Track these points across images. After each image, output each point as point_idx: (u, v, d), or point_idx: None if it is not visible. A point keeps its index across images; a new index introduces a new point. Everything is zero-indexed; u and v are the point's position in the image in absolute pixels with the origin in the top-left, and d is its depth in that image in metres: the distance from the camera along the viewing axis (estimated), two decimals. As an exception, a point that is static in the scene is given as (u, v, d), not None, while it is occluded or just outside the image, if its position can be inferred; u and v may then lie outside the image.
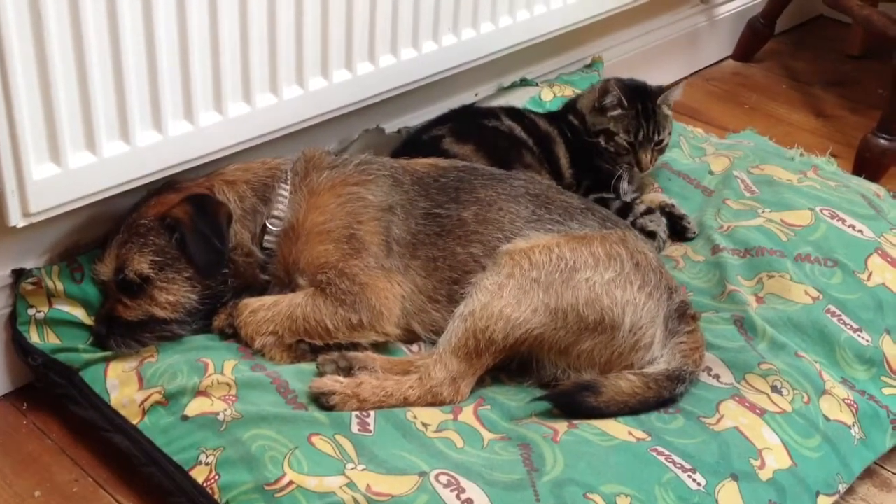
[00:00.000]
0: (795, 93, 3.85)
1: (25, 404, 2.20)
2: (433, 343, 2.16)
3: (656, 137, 2.72)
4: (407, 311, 2.18)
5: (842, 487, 2.02)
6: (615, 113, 2.70)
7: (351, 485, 1.79)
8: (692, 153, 3.06)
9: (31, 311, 2.14)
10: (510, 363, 2.13)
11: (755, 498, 1.88)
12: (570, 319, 2.04)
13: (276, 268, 2.22)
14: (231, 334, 2.17)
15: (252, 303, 2.15)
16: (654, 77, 2.96)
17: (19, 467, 2.05)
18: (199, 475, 1.87)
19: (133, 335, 2.10)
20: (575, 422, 1.99)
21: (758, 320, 2.27)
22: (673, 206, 2.73)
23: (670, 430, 1.99)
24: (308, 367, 2.10)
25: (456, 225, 2.21)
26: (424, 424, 1.96)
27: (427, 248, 2.20)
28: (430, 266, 2.19)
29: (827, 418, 2.08)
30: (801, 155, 3.06)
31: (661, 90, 2.75)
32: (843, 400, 2.13)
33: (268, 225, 2.21)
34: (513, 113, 2.76)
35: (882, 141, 3.17)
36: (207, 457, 1.88)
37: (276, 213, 2.21)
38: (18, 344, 2.14)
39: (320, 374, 2.06)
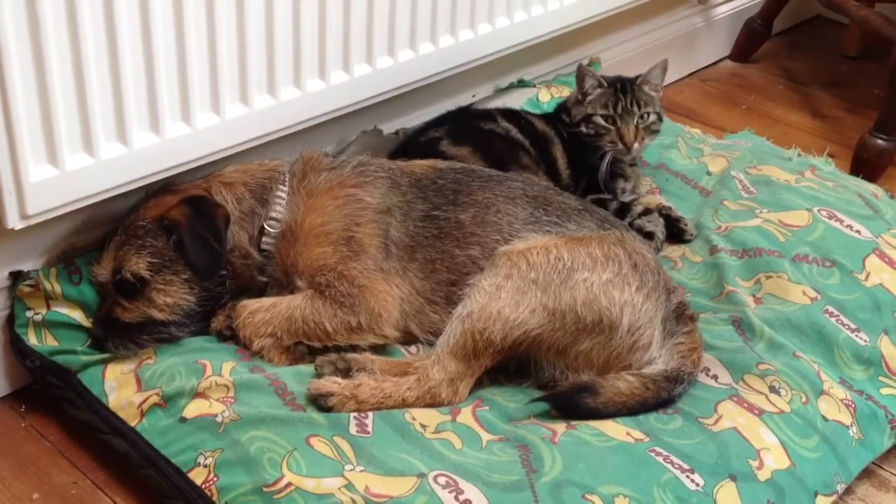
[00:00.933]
0: (793, 93, 3.85)
1: (23, 406, 2.20)
2: (431, 344, 2.15)
3: (637, 111, 2.66)
4: (405, 312, 2.18)
5: (840, 487, 2.02)
6: (595, 94, 2.69)
7: (349, 486, 1.79)
8: (690, 154, 3.05)
9: (28, 314, 2.14)
10: (508, 364, 2.13)
11: (753, 498, 1.88)
12: (568, 320, 2.03)
13: (275, 269, 2.22)
14: (229, 336, 2.16)
15: (250, 304, 2.15)
16: (652, 78, 2.95)
17: (17, 469, 2.05)
18: (197, 477, 1.87)
19: (131, 337, 2.10)
20: (573, 423, 1.99)
21: (756, 321, 2.27)
22: (671, 208, 2.72)
23: (669, 430, 1.99)
24: (306, 368, 2.10)
25: (454, 227, 2.21)
26: (423, 425, 1.96)
27: (425, 249, 2.20)
28: (428, 268, 2.19)
29: (825, 418, 2.08)
30: (799, 155, 3.06)
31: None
32: (842, 400, 2.13)
33: (266, 227, 2.21)
34: (509, 114, 2.76)
35: (879, 141, 3.17)
36: (206, 458, 1.88)
37: (274, 214, 2.21)
38: (16, 346, 2.14)
39: (319, 375, 2.06)
